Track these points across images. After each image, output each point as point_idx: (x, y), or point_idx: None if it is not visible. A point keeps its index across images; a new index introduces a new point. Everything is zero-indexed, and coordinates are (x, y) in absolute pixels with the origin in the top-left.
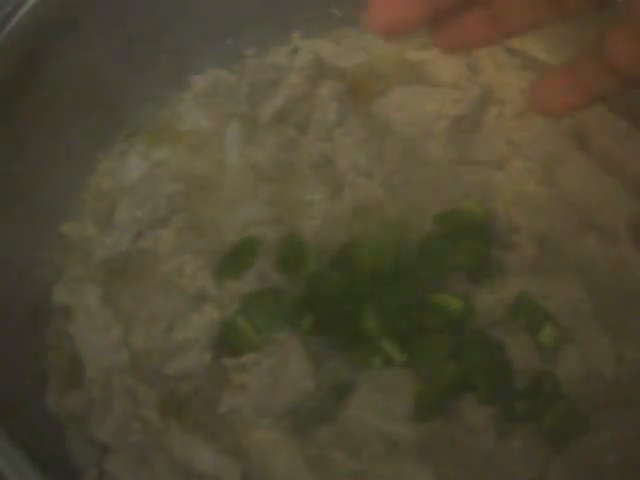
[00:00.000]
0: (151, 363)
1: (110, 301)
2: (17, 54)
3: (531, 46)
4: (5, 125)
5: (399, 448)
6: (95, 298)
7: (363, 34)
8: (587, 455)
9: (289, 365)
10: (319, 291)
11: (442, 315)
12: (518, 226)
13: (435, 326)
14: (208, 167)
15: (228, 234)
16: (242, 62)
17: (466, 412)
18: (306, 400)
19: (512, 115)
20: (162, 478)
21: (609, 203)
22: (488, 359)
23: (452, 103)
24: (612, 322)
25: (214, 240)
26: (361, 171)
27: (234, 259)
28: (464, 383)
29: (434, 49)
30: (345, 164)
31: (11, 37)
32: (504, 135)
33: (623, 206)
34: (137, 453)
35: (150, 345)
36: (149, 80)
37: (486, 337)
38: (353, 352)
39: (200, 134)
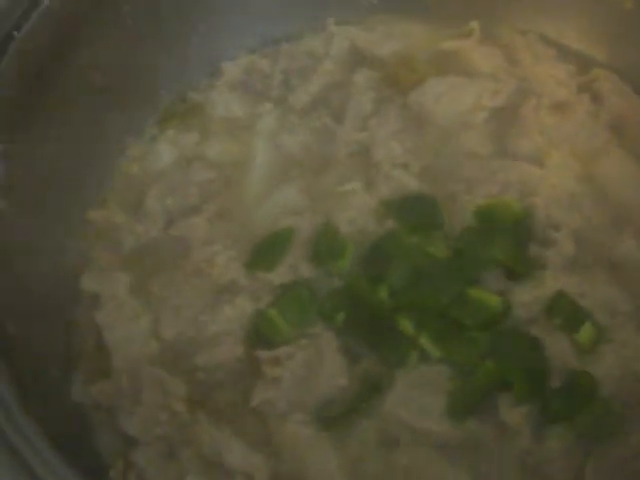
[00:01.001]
0: (181, 354)
1: (139, 290)
2: (49, 38)
3: (567, 36)
4: (35, 111)
5: (434, 446)
6: (124, 287)
7: (398, 22)
8: (621, 457)
9: (323, 360)
10: (353, 286)
11: (479, 312)
12: (557, 223)
13: (472, 323)
14: (240, 155)
15: (261, 224)
16: (275, 48)
17: (502, 411)
18: (340, 395)
19: (550, 107)
20: (190, 473)
21: None
22: (525, 357)
23: (490, 95)
24: None
25: (246, 230)
26: (397, 162)
27: (267, 250)
28: (500, 381)
29: (471, 38)
30: (381, 155)
31: (43, 20)
32: (542, 128)
33: None
34: (164, 446)
35: (180, 336)
36: (181, 66)
37: (523, 335)
38: (388, 348)
39: (232, 121)
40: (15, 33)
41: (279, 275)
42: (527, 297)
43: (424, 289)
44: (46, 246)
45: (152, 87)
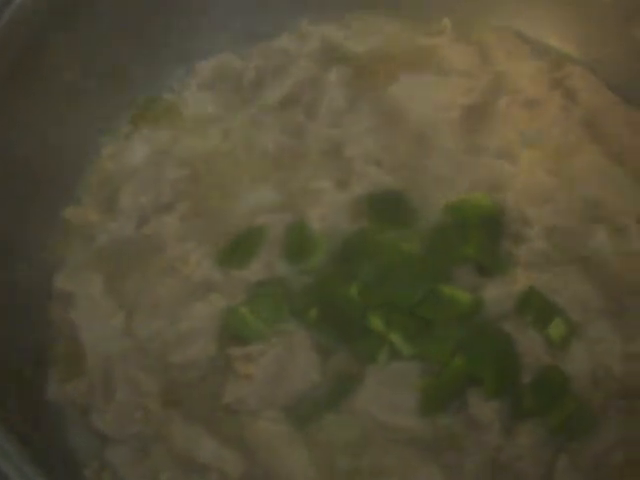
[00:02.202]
0: (154, 352)
1: (113, 288)
2: (21, 36)
3: (541, 33)
4: (8, 107)
5: (405, 442)
6: (98, 285)
7: (373, 19)
8: (594, 453)
9: (295, 356)
10: (325, 283)
11: (450, 308)
12: (528, 218)
13: (443, 319)
14: (213, 153)
15: (234, 221)
16: (249, 47)
17: (472, 406)
18: (312, 392)
19: (523, 104)
20: (163, 469)
21: (620, 197)
22: (496, 353)
23: (463, 92)
24: (622, 318)
25: (219, 227)
26: (370, 159)
27: (240, 247)
28: (471, 377)
29: (445, 35)
30: (354, 152)
31: (14, 18)
32: (515, 125)
33: (634, 200)
34: (138, 444)
35: (153, 334)
36: (155, 64)
37: (494, 331)
38: (360, 345)
39: (205, 119)
40: None
41: (253, 272)
42: (499, 293)
43: (395, 286)
44: (19, 244)
45: (126, 86)
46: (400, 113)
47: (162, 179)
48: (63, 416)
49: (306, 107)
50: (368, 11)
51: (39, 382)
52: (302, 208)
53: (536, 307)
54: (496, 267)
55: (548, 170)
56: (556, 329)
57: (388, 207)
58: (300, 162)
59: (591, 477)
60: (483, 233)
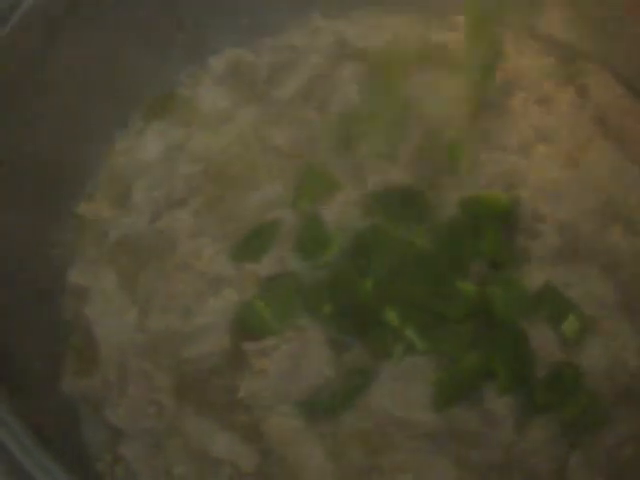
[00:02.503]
0: (168, 346)
1: (127, 283)
2: (32, 34)
3: (553, 29)
4: (21, 103)
5: (419, 437)
6: (111, 280)
7: (384, 14)
8: (606, 448)
9: (309, 351)
10: (339, 278)
11: (463, 303)
12: (543, 214)
13: (456, 314)
14: (226, 148)
15: (247, 216)
16: (260, 42)
17: (486, 401)
18: (326, 387)
19: (536, 100)
20: (176, 464)
21: (633, 192)
22: (509, 348)
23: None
24: (636, 313)
25: (233, 222)
26: (383, 155)
27: (253, 242)
28: (485, 372)
29: (458, 31)
30: (367, 147)
31: (26, 17)
32: (528, 120)
33: None
34: (152, 438)
35: (167, 328)
36: (168, 59)
37: (508, 326)
38: (374, 340)
39: (219, 114)
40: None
41: (266, 267)
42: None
43: (409, 281)
44: (33, 240)
45: (138, 81)
46: (413, 109)
47: (175, 174)
48: (77, 410)
49: (318, 103)
50: (380, 7)
51: (53, 376)
52: (315, 203)
53: (551, 303)
54: (510, 263)
55: (562, 166)
56: (571, 325)
57: (401, 203)
58: (313, 158)
59: (603, 472)
60: (497, 229)
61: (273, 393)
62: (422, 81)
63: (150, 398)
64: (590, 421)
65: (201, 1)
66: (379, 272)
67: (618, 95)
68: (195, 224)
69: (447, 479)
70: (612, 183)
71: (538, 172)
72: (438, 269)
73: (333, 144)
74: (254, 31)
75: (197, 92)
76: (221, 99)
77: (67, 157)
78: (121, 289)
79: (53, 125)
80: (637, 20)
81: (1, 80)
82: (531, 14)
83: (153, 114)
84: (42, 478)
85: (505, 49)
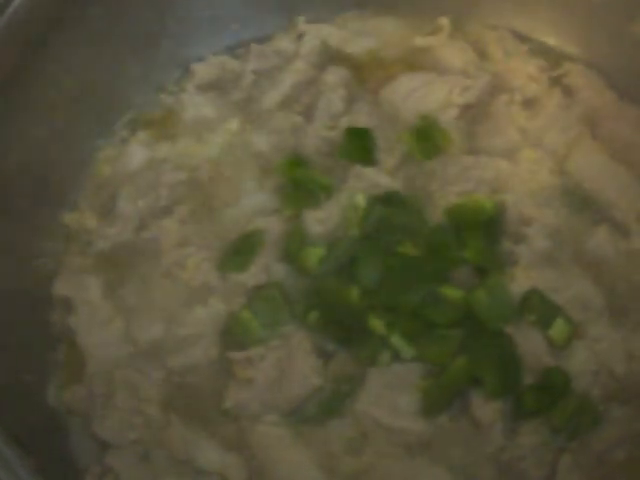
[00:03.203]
0: (154, 357)
1: (112, 294)
2: (16, 42)
3: (538, 31)
4: (5, 111)
5: (407, 444)
6: (96, 291)
7: (370, 18)
8: (596, 452)
9: (296, 360)
10: (325, 286)
11: (450, 310)
12: (529, 218)
13: (442, 320)
14: (211, 156)
15: (232, 225)
16: (245, 48)
17: (474, 407)
18: (313, 395)
19: (522, 103)
20: (164, 475)
21: (620, 195)
22: (497, 354)
23: (461, 91)
24: (623, 318)
25: (218, 231)
26: (369, 161)
27: (238, 251)
28: (472, 378)
29: (442, 35)
30: (353, 154)
31: (9, 24)
32: (514, 124)
33: (635, 199)
34: (139, 450)
35: (153, 338)
36: (151, 67)
37: (495, 332)
38: (360, 347)
39: (203, 122)
40: None
41: (251, 276)
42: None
43: (394, 288)
44: (17, 250)
45: (122, 89)
46: (397, 113)
47: (160, 183)
48: (64, 422)
49: (304, 109)
50: (364, 11)
51: (40, 388)
52: (301, 211)
53: (538, 308)
54: (495, 268)
55: (549, 169)
56: (558, 330)
57: (388, 209)
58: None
59: (594, 476)
60: (481, 236)
61: (260, 402)
62: (406, 85)
63: (137, 409)
64: (579, 425)
65: (185, 8)
66: (365, 279)
67: (605, 97)
68: (180, 233)
69: None
70: (599, 185)
71: (524, 175)
72: (424, 276)
73: (318, 150)
74: (239, 37)
75: (181, 100)
76: (205, 106)
77: (52, 167)
78: (106, 299)
79: (38, 135)
80: (624, 21)
81: None
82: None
83: (137, 123)
84: None
85: (491, 51)
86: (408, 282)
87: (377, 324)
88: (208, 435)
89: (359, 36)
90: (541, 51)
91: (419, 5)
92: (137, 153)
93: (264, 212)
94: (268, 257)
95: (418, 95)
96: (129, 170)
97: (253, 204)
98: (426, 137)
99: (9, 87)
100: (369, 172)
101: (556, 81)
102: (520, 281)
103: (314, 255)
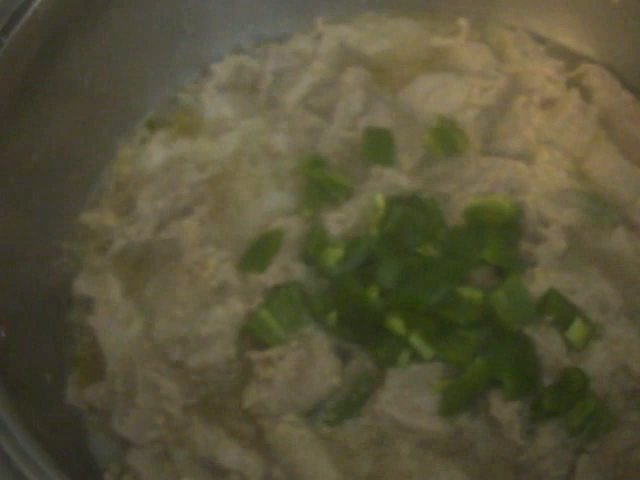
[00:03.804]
0: (174, 356)
1: (132, 293)
2: (37, 43)
3: (556, 32)
4: (25, 112)
5: (426, 444)
6: (116, 290)
7: (388, 19)
8: (614, 453)
9: (315, 360)
10: (345, 287)
11: (469, 310)
12: (547, 219)
13: (461, 321)
14: (231, 156)
15: (252, 225)
16: (264, 48)
17: (493, 408)
18: (332, 396)
19: (540, 104)
20: (184, 474)
21: (638, 196)
22: (515, 354)
23: (479, 92)
24: None
25: (237, 231)
26: (389, 162)
27: (258, 251)
28: (491, 378)
29: (460, 36)
30: (372, 155)
31: (30, 25)
32: (532, 125)
33: None
34: (159, 448)
35: (173, 338)
36: (171, 67)
37: (514, 332)
38: (380, 348)
39: (222, 122)
40: (2, 39)
41: (271, 276)
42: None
43: (414, 289)
44: (38, 250)
45: (142, 89)
46: (416, 114)
47: (179, 183)
48: (84, 420)
49: (323, 110)
50: (382, 12)
51: (59, 387)
52: (320, 211)
53: (556, 309)
54: (514, 269)
55: (566, 170)
56: (576, 331)
57: (406, 210)
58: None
59: (611, 477)
60: (500, 237)
61: (279, 402)
62: (424, 86)
63: (157, 408)
64: (598, 426)
65: (204, 9)
66: (384, 280)
67: (623, 98)
68: (200, 233)
69: None
70: (617, 187)
71: (542, 177)
72: (443, 276)
73: (337, 151)
74: (258, 38)
75: (200, 100)
76: (224, 107)
77: (71, 167)
78: (126, 298)
79: (57, 135)
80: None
81: (6, 89)
82: None
83: (157, 123)
84: None
85: (510, 52)
86: (427, 282)
87: (396, 324)
88: (228, 434)
89: (377, 37)
90: (559, 52)
91: (436, 6)
92: (157, 153)
93: (283, 212)
94: (287, 257)
95: (436, 96)
96: (149, 170)
97: (272, 204)
98: (445, 138)
99: (28, 88)
100: (388, 173)
101: (573, 82)
102: (539, 282)
103: (333, 255)
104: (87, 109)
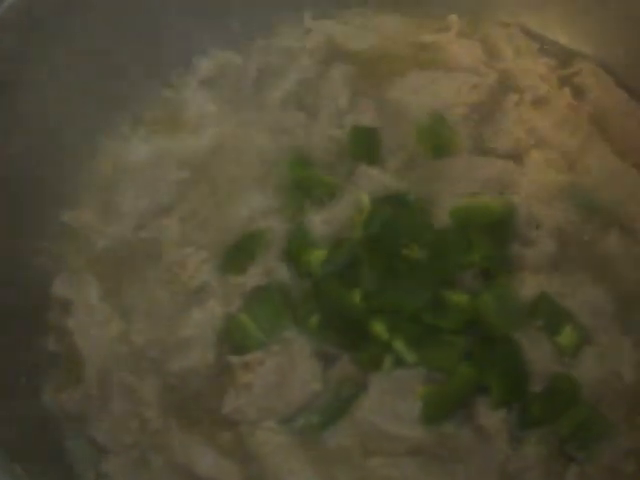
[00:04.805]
0: (152, 359)
1: (111, 294)
2: (16, 36)
3: (549, 29)
4: (5, 108)
5: (408, 452)
6: (95, 291)
7: (376, 15)
8: (605, 463)
9: (296, 365)
10: (327, 290)
11: (455, 314)
12: (537, 219)
13: (447, 325)
14: (214, 154)
15: (233, 225)
16: (249, 44)
17: (479, 416)
18: (313, 401)
19: (531, 102)
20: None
21: (631, 197)
22: (503, 360)
23: (469, 89)
24: (631, 324)
25: (219, 231)
26: (375, 161)
27: (238, 253)
28: (477, 385)
29: (451, 32)
30: (358, 154)
31: (9, 17)
32: (523, 123)
33: None
34: (135, 454)
35: (151, 341)
36: (154, 62)
37: (502, 337)
38: (362, 352)
39: (205, 119)
40: None
41: (251, 278)
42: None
43: (398, 292)
44: (16, 248)
45: (124, 85)
46: (404, 112)
47: (161, 180)
48: (60, 426)
49: (308, 107)
50: (370, 7)
51: (35, 391)
52: (302, 211)
53: (546, 313)
54: (503, 272)
55: (558, 170)
56: (567, 337)
57: (392, 211)
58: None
59: None
60: (488, 239)
61: (258, 408)
62: (413, 82)
63: (134, 412)
64: (588, 435)
65: (190, 2)
66: (368, 283)
67: (615, 96)
68: (180, 232)
69: None
70: (610, 188)
71: (533, 177)
72: (428, 280)
73: (323, 149)
74: (244, 32)
75: (184, 95)
76: (207, 102)
77: (52, 164)
78: (105, 300)
79: (36, 130)
80: (635, 20)
81: None
82: None
83: (139, 119)
84: None
85: (501, 49)
86: (412, 286)
87: (380, 328)
88: (205, 440)
89: (365, 32)
90: (552, 50)
91: (428, 3)
92: (139, 149)
93: (267, 212)
94: (269, 259)
95: (426, 93)
96: (130, 167)
97: (255, 204)
98: (434, 135)
99: (9, 82)
100: (374, 172)
101: (566, 80)
102: (528, 285)
103: (316, 257)
104: (68, 106)
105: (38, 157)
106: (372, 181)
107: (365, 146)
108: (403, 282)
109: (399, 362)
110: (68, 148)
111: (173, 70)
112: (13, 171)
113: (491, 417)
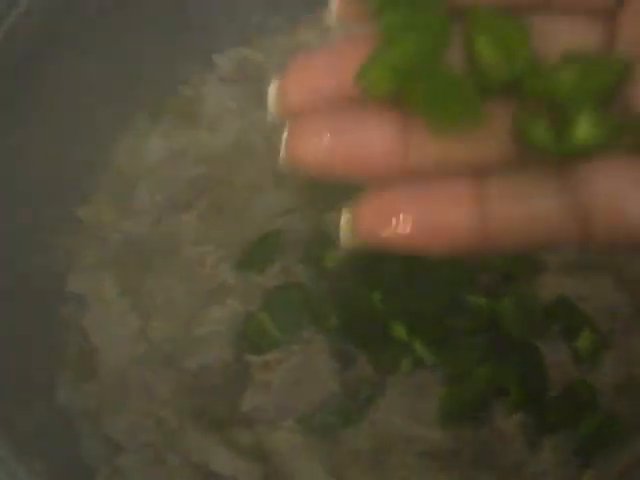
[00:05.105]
0: (169, 357)
1: (127, 290)
2: (30, 35)
3: None
4: (20, 104)
5: (426, 454)
6: (111, 287)
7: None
8: (623, 466)
9: (314, 365)
10: (346, 290)
11: (474, 316)
12: None
13: (467, 328)
14: (233, 151)
15: (252, 223)
16: (270, 40)
17: (496, 419)
18: (331, 402)
19: None
20: (177, 479)
21: None
22: (522, 364)
23: None
24: None
25: (238, 228)
26: None
27: (257, 252)
28: (495, 388)
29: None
30: None
31: (23, 18)
32: None
33: None
34: (151, 453)
35: (169, 338)
36: (172, 59)
37: (521, 341)
38: (381, 353)
39: (225, 115)
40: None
41: (271, 277)
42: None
43: (418, 293)
44: (31, 244)
45: (142, 81)
46: None
47: (179, 177)
48: (75, 423)
49: None
50: None
51: (50, 387)
52: (323, 209)
53: (565, 317)
54: (522, 275)
55: None
56: (585, 340)
57: None
58: None
59: None
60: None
61: (276, 408)
62: None
63: (150, 410)
64: (604, 441)
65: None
66: (388, 283)
67: None
68: (199, 229)
69: None
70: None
71: None
72: (448, 281)
73: None
74: (264, 29)
75: (202, 92)
76: (226, 99)
77: (68, 158)
78: (121, 296)
79: (53, 125)
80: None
81: (3, 76)
82: None
83: (157, 115)
84: None
85: None
86: (432, 287)
87: (399, 330)
88: (223, 439)
89: None
90: None
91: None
92: (156, 146)
93: (285, 211)
94: (288, 258)
95: None
96: (148, 163)
97: (275, 202)
98: None
99: (24, 78)
100: None
101: None
102: (547, 288)
103: (335, 257)
104: (85, 100)
105: (54, 153)
106: None
107: None
108: (423, 283)
109: (417, 363)
110: (85, 144)
111: (192, 67)
112: (27, 167)
113: (508, 421)
